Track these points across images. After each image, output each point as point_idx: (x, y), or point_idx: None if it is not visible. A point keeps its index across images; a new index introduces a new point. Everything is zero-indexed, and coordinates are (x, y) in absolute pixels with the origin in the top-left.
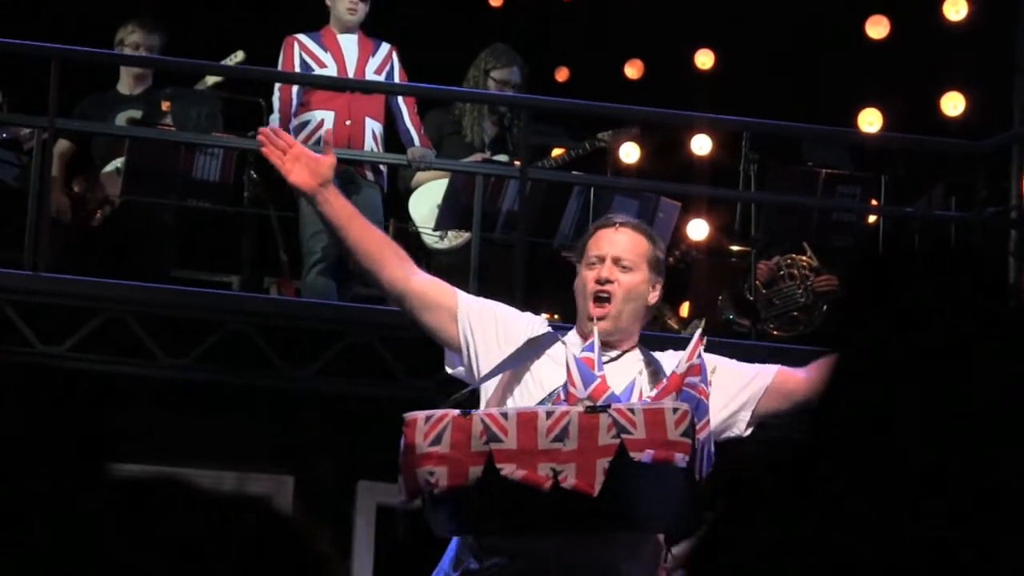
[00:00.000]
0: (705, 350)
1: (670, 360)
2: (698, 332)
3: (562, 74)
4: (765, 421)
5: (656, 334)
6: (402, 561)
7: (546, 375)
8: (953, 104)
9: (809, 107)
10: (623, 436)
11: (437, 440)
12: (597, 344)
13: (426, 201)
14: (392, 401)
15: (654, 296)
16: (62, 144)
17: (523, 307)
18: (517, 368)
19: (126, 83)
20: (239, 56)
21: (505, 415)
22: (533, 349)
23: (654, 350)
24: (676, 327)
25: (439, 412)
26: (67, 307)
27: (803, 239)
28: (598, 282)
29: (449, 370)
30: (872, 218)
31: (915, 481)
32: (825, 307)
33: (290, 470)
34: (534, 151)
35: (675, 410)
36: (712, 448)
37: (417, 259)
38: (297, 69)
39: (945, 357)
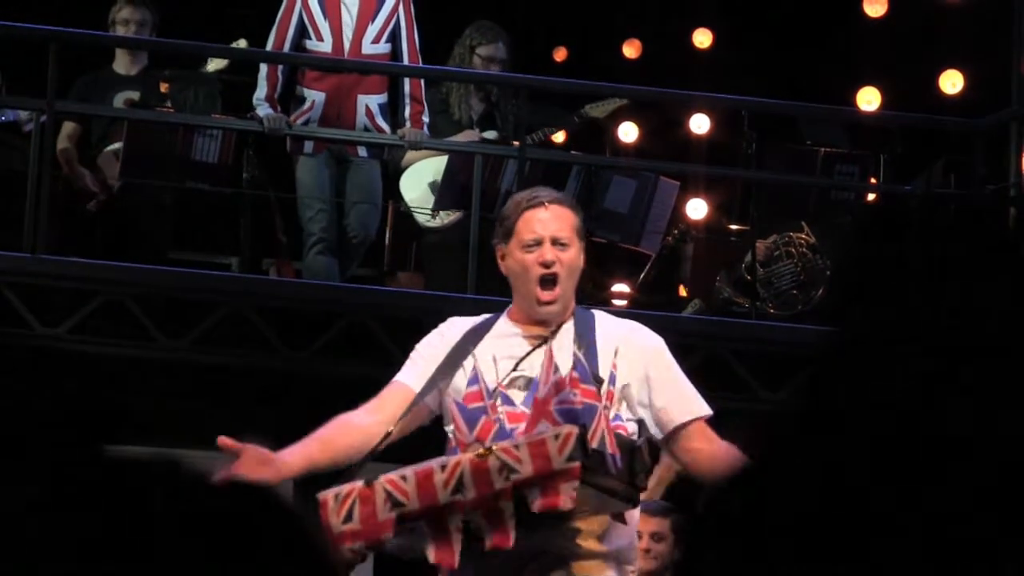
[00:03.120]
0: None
1: (604, 321)
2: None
3: (560, 54)
4: None
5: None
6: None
7: (479, 370)
8: (951, 82)
9: (807, 86)
10: (512, 477)
11: (348, 517)
12: (482, 373)
13: (416, 180)
14: (389, 381)
15: (583, 261)
16: (69, 126)
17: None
18: (449, 377)
19: (122, 63)
20: (242, 44)
21: (404, 477)
22: (459, 354)
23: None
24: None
25: (345, 488)
26: (66, 289)
27: (801, 218)
28: (544, 265)
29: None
30: (871, 196)
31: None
32: (823, 287)
33: None
34: (526, 129)
35: (556, 436)
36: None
37: (407, 234)
38: (292, 30)
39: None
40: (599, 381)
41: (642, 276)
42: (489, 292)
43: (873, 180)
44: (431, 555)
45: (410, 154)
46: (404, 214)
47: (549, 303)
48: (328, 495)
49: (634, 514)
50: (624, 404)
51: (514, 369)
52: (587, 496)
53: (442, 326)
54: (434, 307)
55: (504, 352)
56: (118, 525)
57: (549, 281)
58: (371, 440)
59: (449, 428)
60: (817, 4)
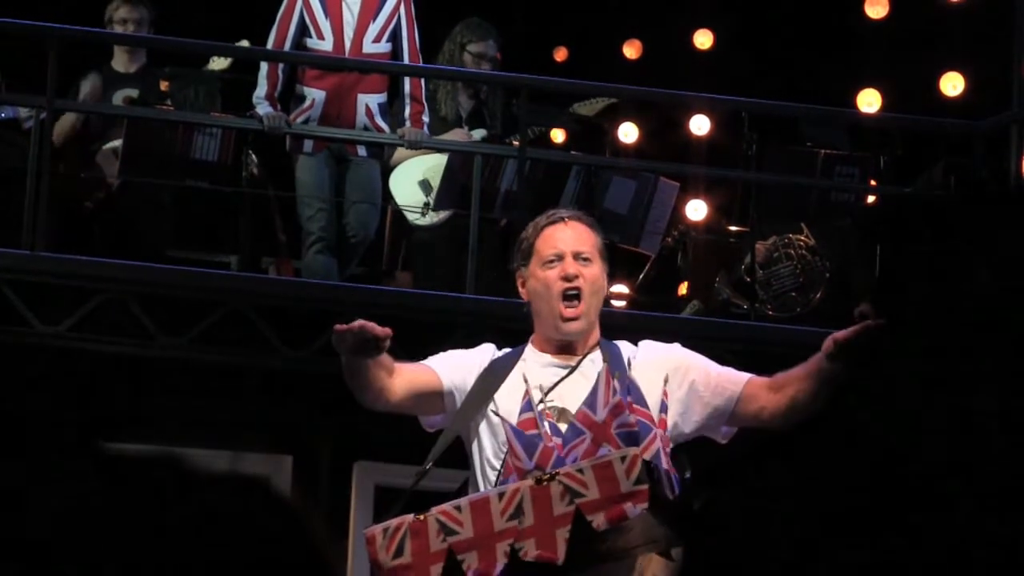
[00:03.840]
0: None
1: (630, 349)
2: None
3: (560, 54)
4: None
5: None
6: None
7: (509, 407)
8: (952, 84)
9: (808, 87)
10: (577, 501)
11: (399, 552)
12: (535, 399)
13: (405, 178)
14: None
15: (606, 284)
16: (68, 117)
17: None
18: (479, 408)
19: (121, 60)
20: (244, 44)
21: (459, 507)
22: (488, 384)
23: (612, 336)
24: None
25: (395, 522)
26: (65, 287)
27: (801, 219)
28: (566, 279)
29: (429, 429)
30: (871, 198)
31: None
32: (822, 289)
33: (288, 450)
34: (517, 127)
35: (623, 458)
36: (670, 462)
37: (399, 233)
38: (293, 28)
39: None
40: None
41: (641, 277)
42: (487, 292)
43: (873, 182)
44: (473, 567)
45: (399, 153)
46: (399, 213)
47: (573, 319)
48: (376, 530)
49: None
50: (671, 437)
51: (541, 401)
52: (647, 524)
53: (477, 348)
54: (434, 307)
55: (534, 381)
56: (118, 522)
57: (573, 296)
58: (392, 393)
59: (493, 454)
60: (818, 5)
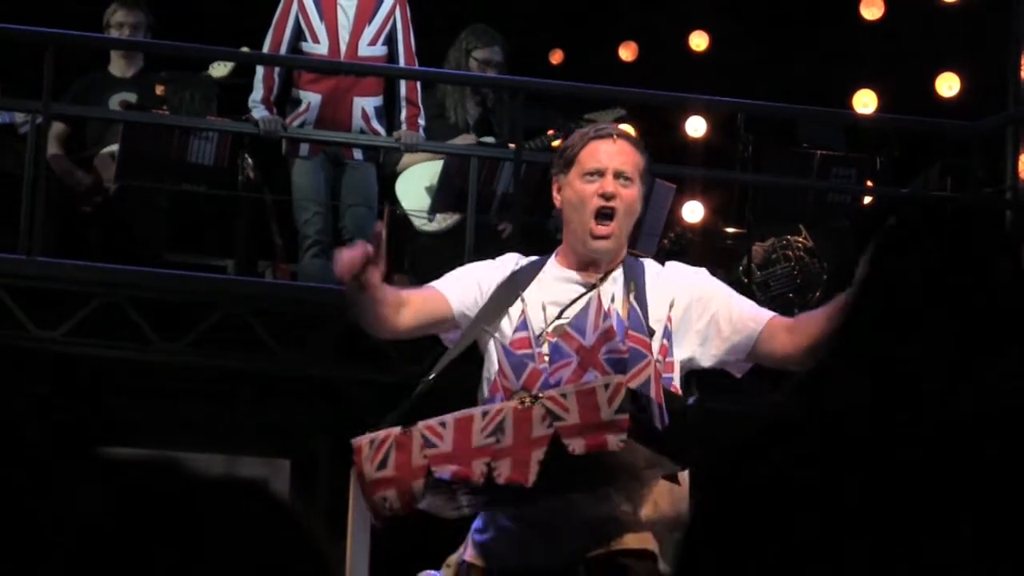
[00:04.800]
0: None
1: (654, 269)
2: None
3: (556, 56)
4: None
5: None
6: (398, 544)
7: (514, 323)
8: (948, 85)
9: (804, 88)
10: (556, 424)
11: (383, 464)
12: (532, 320)
13: (413, 183)
14: (387, 384)
15: (640, 206)
16: (57, 127)
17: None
18: (492, 321)
19: (118, 65)
20: (244, 51)
21: (443, 423)
22: (508, 295)
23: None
24: None
25: (381, 434)
26: (62, 292)
27: (798, 220)
28: (603, 197)
29: (449, 345)
30: (867, 199)
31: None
32: (819, 290)
33: (286, 454)
34: (524, 133)
35: (606, 386)
36: (661, 392)
37: (404, 241)
38: (288, 32)
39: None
40: (651, 332)
41: None
42: None
43: (870, 183)
44: (451, 472)
45: (406, 158)
46: (397, 217)
47: (603, 238)
48: (363, 441)
49: (685, 476)
50: (676, 363)
51: (559, 316)
52: (637, 450)
53: (498, 259)
54: None
55: (550, 297)
56: (115, 525)
57: (606, 215)
58: (398, 324)
59: (492, 371)
60: (814, 6)
